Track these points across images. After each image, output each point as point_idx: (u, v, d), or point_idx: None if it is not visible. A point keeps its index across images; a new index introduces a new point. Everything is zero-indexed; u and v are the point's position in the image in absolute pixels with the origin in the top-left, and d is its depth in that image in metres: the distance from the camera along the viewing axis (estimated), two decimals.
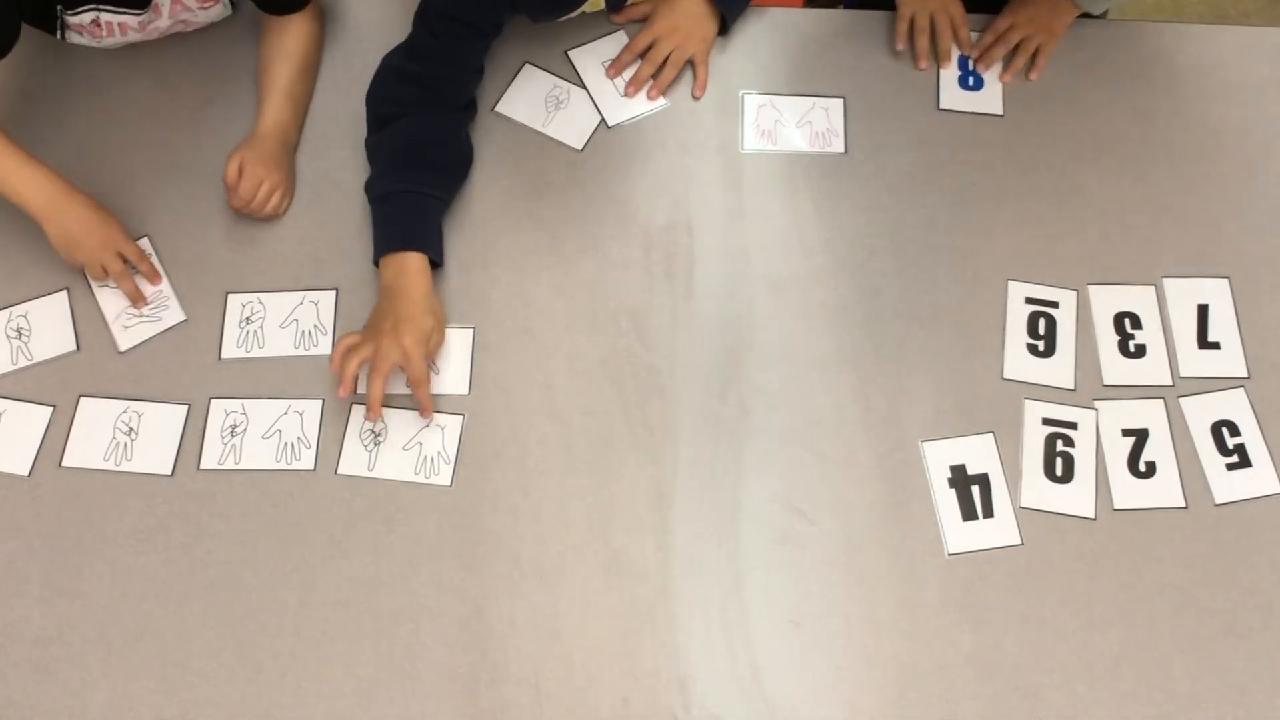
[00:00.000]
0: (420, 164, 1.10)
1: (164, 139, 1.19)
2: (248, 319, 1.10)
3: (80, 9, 1.08)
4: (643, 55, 1.22)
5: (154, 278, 1.10)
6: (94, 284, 1.10)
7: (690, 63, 1.23)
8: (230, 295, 1.11)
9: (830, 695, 0.96)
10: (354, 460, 1.04)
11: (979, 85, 1.24)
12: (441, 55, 1.13)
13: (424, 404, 1.02)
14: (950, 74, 1.24)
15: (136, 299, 1.09)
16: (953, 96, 1.24)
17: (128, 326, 1.08)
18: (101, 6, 1.08)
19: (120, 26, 1.12)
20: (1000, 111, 1.23)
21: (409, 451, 1.04)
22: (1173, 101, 1.24)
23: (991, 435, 1.06)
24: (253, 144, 1.12)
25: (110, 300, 1.10)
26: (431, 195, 1.10)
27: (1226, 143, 1.22)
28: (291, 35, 1.16)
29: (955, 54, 1.25)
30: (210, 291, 1.11)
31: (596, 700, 0.95)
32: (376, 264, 1.08)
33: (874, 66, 1.25)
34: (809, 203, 1.18)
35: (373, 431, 1.05)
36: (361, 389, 1.03)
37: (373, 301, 1.08)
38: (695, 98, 1.22)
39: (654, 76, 1.21)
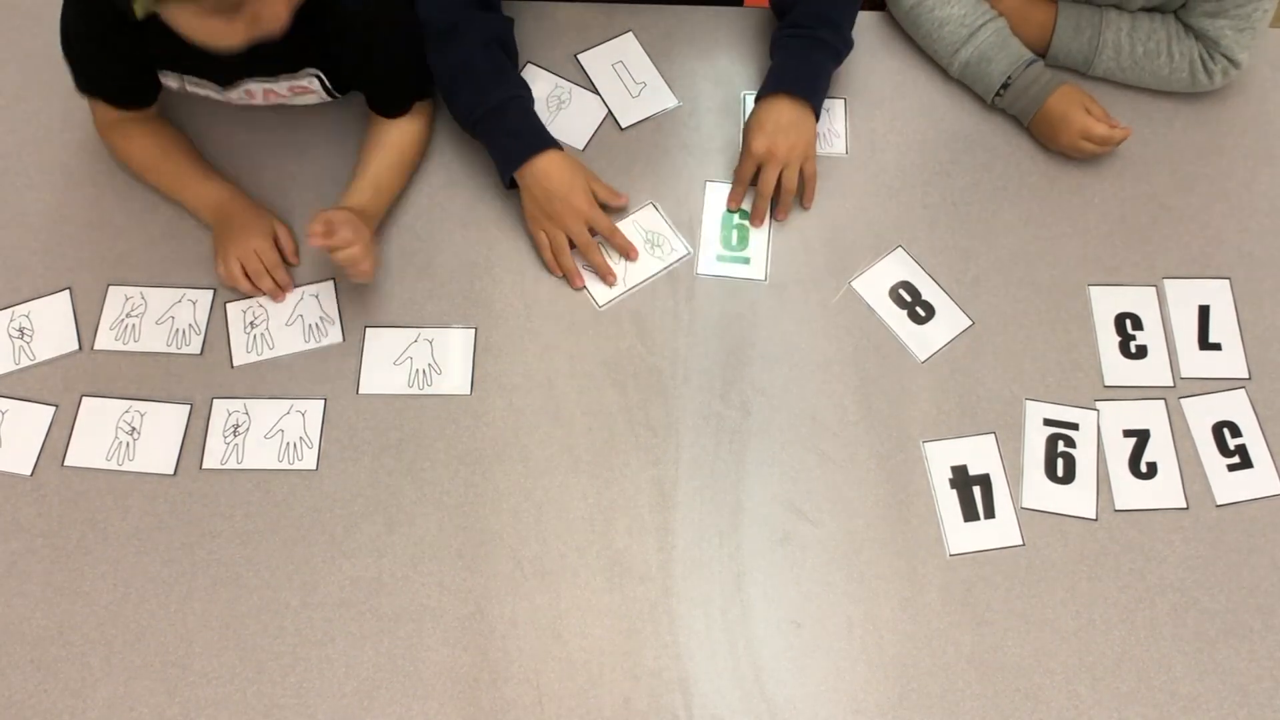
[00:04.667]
0: (506, 70, 1.12)
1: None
2: (251, 323, 1.10)
3: (166, 71, 1.09)
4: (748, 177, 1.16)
5: (282, 289, 1.10)
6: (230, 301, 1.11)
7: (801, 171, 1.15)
8: (229, 305, 1.11)
9: (831, 695, 0.96)
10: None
11: None
12: None
13: (624, 247, 1.13)
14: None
15: (274, 291, 1.10)
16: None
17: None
18: (186, 77, 1.09)
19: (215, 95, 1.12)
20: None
21: None
22: (1173, 101, 1.24)
23: (993, 435, 1.06)
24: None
25: (236, 317, 1.10)
26: (526, 96, 1.13)
27: (1226, 143, 1.23)
28: (393, 128, 1.15)
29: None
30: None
31: (598, 701, 0.95)
32: (508, 181, 1.12)
33: (874, 66, 1.26)
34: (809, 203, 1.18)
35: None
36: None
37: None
38: (805, 208, 1.17)
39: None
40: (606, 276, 1.12)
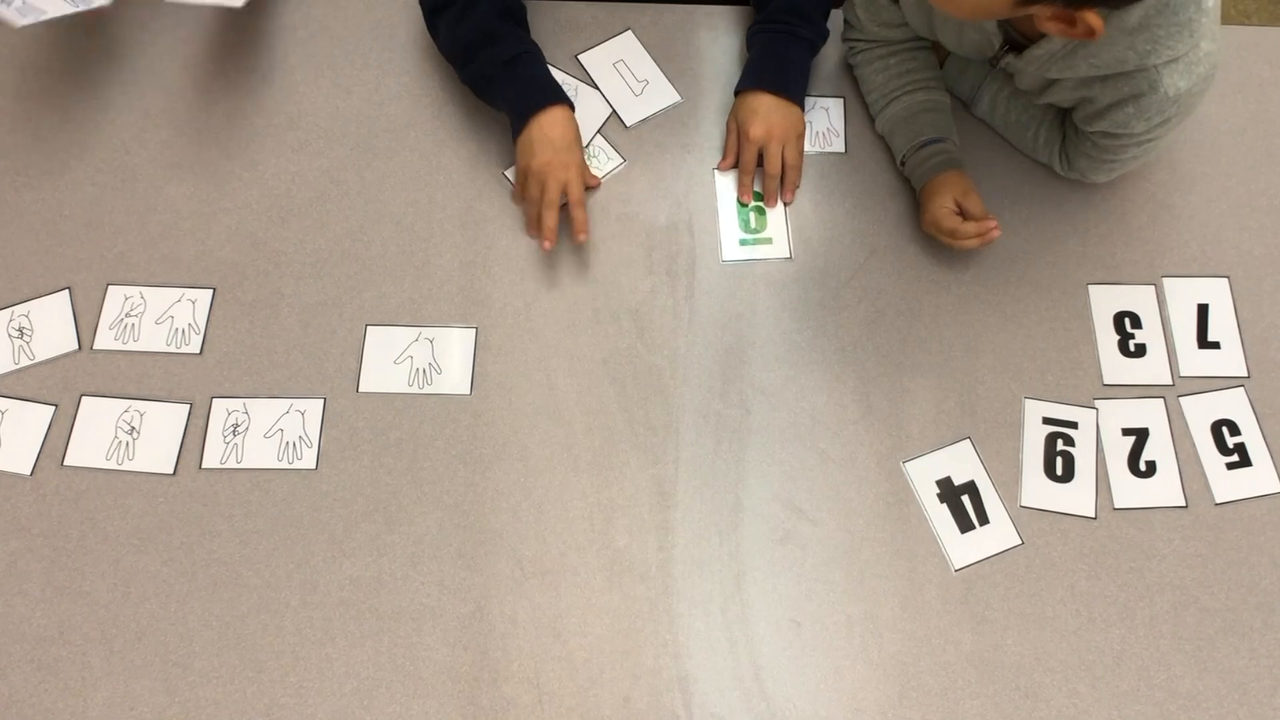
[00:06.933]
0: (519, 32, 1.13)
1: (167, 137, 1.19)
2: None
3: None
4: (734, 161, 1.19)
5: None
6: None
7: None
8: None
9: (831, 694, 0.96)
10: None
11: None
12: None
13: (580, 224, 1.08)
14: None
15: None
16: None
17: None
18: None
19: None
20: None
21: None
22: None
23: (969, 440, 1.06)
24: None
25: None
26: (539, 54, 1.13)
27: (1226, 143, 1.23)
28: None
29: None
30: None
31: (598, 700, 0.95)
32: (517, 128, 1.10)
33: None
34: (809, 202, 1.18)
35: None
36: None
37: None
38: (788, 201, 1.19)
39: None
40: (577, 234, 1.09)
